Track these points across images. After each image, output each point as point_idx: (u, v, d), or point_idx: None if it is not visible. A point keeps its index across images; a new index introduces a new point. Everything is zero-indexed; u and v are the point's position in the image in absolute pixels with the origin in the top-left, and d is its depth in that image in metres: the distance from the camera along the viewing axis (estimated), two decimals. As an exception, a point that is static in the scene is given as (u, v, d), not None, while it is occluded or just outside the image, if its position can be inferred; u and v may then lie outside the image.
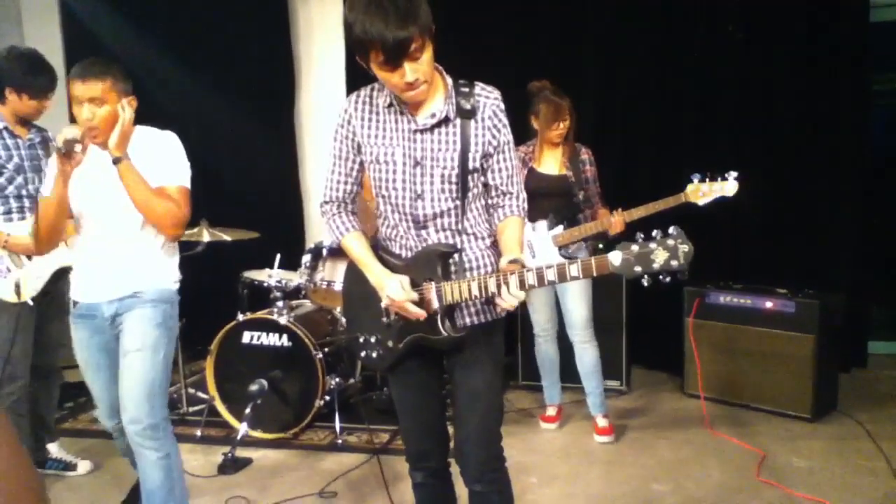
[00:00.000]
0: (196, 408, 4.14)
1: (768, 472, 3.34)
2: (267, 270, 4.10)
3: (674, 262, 1.74)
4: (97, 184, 2.46)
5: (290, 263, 4.19)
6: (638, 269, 1.77)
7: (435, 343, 2.03)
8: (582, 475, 3.39)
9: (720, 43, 4.54)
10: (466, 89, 2.01)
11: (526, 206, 2.15)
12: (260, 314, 3.90)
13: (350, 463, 3.52)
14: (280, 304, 3.93)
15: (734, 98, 4.58)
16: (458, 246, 2.06)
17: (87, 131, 2.33)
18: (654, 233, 1.78)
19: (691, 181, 3.31)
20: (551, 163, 3.67)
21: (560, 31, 4.84)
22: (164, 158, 2.51)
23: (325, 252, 3.95)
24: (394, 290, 1.96)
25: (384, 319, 2.10)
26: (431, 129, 1.99)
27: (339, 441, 3.75)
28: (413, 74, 1.84)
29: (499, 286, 1.88)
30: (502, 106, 2.05)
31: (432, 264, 2.00)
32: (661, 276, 1.77)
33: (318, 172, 5.82)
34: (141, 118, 2.48)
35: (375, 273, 2.04)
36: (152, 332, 2.49)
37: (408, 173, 2.01)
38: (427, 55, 1.85)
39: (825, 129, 4.46)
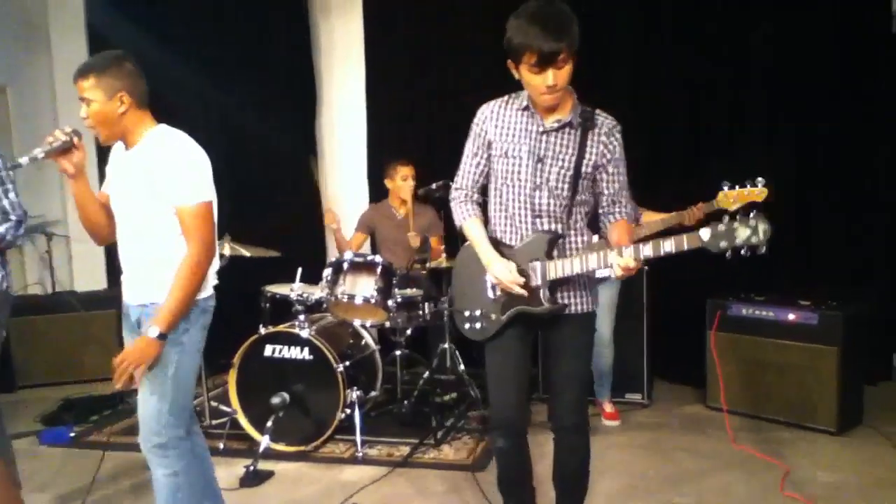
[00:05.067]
0: (219, 420, 4.16)
1: (793, 486, 3.30)
2: (289, 284, 4.14)
3: (754, 239, 2.06)
4: (116, 188, 2.47)
5: (312, 277, 4.22)
6: (723, 243, 2.09)
7: (537, 314, 2.37)
8: (603, 487, 3.36)
9: (750, 48, 4.53)
10: (589, 109, 2.38)
11: (633, 213, 2.45)
12: (282, 327, 3.93)
13: (371, 476, 3.53)
14: (302, 317, 3.96)
15: (763, 104, 4.55)
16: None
17: (73, 131, 2.32)
18: (736, 214, 2.09)
19: (722, 189, 3.34)
20: None
21: (586, 39, 4.83)
22: (167, 174, 2.33)
23: (345, 266, 3.97)
24: (501, 271, 2.34)
25: (490, 294, 2.45)
26: (556, 131, 2.35)
27: (360, 454, 3.76)
28: (554, 79, 2.19)
29: (598, 261, 2.23)
30: (619, 128, 2.41)
31: (540, 246, 2.36)
32: (742, 251, 2.07)
33: (339, 186, 5.87)
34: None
35: (486, 254, 2.40)
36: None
37: (531, 167, 2.36)
38: (568, 67, 2.21)
39: (857, 137, 4.42)
